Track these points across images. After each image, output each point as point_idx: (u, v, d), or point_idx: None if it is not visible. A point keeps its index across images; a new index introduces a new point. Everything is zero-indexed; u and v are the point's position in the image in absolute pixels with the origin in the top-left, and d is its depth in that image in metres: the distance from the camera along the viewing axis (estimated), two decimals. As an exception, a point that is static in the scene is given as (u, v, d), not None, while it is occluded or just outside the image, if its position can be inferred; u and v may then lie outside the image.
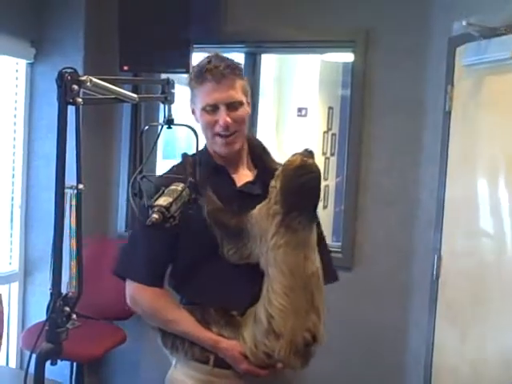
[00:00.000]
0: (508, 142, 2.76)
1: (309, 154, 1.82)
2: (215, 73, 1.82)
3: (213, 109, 1.85)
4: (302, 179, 1.77)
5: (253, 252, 1.79)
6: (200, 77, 1.84)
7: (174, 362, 1.97)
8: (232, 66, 1.85)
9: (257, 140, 2.09)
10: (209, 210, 1.79)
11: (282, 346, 1.74)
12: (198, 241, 1.85)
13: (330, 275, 2.00)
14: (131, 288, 1.92)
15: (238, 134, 1.88)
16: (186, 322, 1.85)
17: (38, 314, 3.77)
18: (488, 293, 2.82)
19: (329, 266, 2.00)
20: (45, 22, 3.87)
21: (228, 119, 1.83)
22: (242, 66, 1.93)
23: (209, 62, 1.84)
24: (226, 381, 1.86)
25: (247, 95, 1.92)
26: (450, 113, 3.08)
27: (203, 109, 1.86)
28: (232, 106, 1.84)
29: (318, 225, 2.07)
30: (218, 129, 1.86)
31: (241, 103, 1.87)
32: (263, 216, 1.77)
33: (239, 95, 1.86)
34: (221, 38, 3.77)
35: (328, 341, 3.64)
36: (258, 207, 1.80)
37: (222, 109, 1.84)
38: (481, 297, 2.87)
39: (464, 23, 2.76)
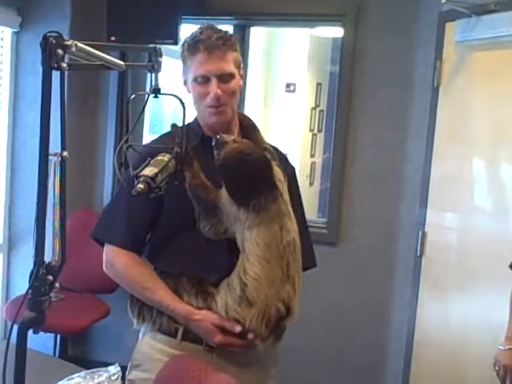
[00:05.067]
0: (496, 118, 2.76)
1: (218, 140, 1.78)
2: (207, 44, 1.80)
3: (204, 80, 1.83)
4: (230, 172, 1.75)
5: (228, 228, 1.79)
6: (192, 47, 1.83)
7: (140, 335, 1.95)
8: (224, 38, 1.83)
9: (248, 118, 2.07)
10: (190, 183, 1.79)
11: (254, 314, 1.73)
12: (179, 211, 1.85)
13: (308, 260, 1.99)
14: (108, 251, 1.91)
15: (227, 106, 1.87)
16: (161, 291, 1.83)
17: (23, 286, 3.74)
18: (473, 269, 2.84)
19: (308, 251, 2.00)
20: (31, -11, 3.81)
21: (219, 91, 1.82)
22: (236, 38, 1.90)
23: (201, 32, 1.83)
24: (195, 355, 1.83)
25: (239, 68, 1.91)
26: (438, 88, 3.08)
27: (195, 80, 1.85)
28: (223, 78, 1.83)
29: (302, 207, 2.06)
30: (209, 101, 1.84)
31: (232, 75, 1.85)
32: (230, 203, 1.76)
33: (231, 67, 1.84)
34: (210, 9, 3.73)
35: (312, 315, 3.66)
36: (223, 191, 1.78)
37: (214, 80, 1.82)
38: (466, 273, 2.90)
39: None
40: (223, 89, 1.83)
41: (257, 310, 1.73)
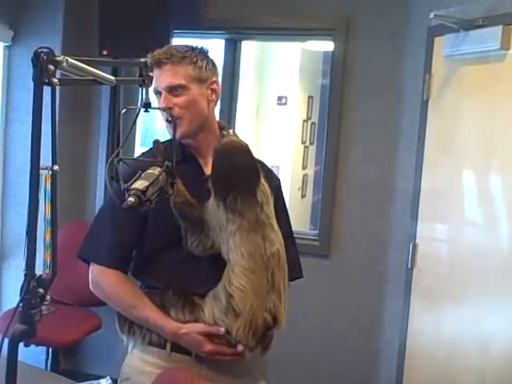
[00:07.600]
0: (485, 131, 2.79)
1: (224, 134, 1.86)
2: (157, 60, 1.84)
3: (159, 94, 1.87)
4: (217, 163, 1.79)
5: (215, 242, 1.80)
6: (151, 66, 1.84)
7: (130, 348, 1.95)
8: (175, 53, 1.85)
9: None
10: (175, 201, 1.80)
11: (241, 324, 1.74)
12: (163, 229, 1.86)
13: (295, 272, 2.01)
14: (94, 270, 1.91)
15: (183, 119, 1.86)
16: (147, 309, 1.83)
17: (14, 299, 3.73)
18: (464, 280, 2.85)
19: (295, 264, 2.02)
20: (23, 4, 3.82)
21: (164, 103, 1.84)
22: (196, 53, 1.89)
23: (157, 52, 1.87)
24: (184, 367, 1.82)
25: (202, 82, 1.89)
26: (427, 102, 3.11)
27: (155, 95, 1.88)
28: (173, 90, 1.85)
29: (288, 219, 2.09)
30: (164, 115, 1.86)
31: (183, 87, 1.85)
32: (214, 207, 1.78)
33: (179, 80, 1.84)
34: (201, 24, 3.76)
35: (303, 326, 3.67)
36: (210, 199, 1.81)
37: (163, 94, 1.85)
38: (457, 284, 2.90)
39: (441, 14, 2.79)
40: (175, 101, 1.85)
41: (243, 320, 1.74)
